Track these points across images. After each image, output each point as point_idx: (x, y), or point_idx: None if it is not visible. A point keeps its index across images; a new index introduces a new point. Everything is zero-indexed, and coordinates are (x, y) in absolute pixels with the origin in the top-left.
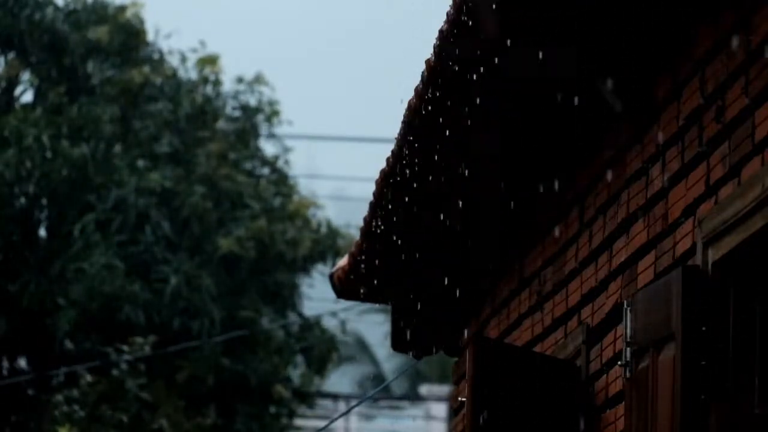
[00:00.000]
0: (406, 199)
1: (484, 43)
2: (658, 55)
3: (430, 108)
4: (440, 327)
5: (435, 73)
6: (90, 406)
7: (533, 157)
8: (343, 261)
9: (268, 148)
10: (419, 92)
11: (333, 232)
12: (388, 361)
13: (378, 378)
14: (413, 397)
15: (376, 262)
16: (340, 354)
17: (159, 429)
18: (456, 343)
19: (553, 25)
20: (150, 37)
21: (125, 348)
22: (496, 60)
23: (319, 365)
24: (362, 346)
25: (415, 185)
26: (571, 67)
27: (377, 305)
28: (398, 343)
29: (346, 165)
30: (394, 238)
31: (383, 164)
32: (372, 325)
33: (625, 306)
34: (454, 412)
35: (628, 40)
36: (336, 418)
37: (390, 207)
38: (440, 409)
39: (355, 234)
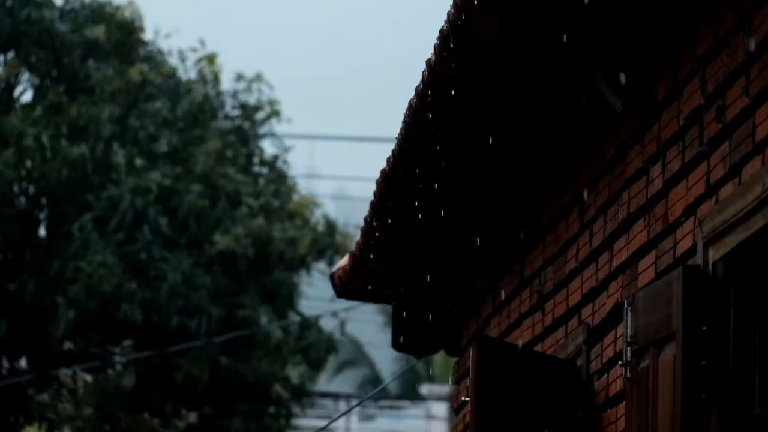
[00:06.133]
0: (407, 198)
1: (484, 43)
2: (658, 55)
3: (430, 108)
4: (440, 327)
5: (435, 73)
6: (75, 406)
7: (534, 157)
8: (343, 261)
9: (268, 147)
10: (420, 92)
11: (331, 228)
12: (388, 366)
13: (377, 381)
14: (414, 396)
15: (377, 262)
16: (338, 355)
17: (152, 429)
18: (456, 343)
19: (553, 24)
20: (149, 36)
21: (116, 350)
22: (496, 60)
23: (317, 364)
24: (361, 352)
25: (415, 185)
26: (571, 66)
27: (379, 314)
28: (399, 343)
29: (346, 165)
30: (395, 237)
31: (383, 164)
32: (373, 331)
33: (625, 305)
34: (454, 411)
35: (629, 40)
36: (336, 418)
37: (390, 207)
38: (441, 409)
39: (356, 233)
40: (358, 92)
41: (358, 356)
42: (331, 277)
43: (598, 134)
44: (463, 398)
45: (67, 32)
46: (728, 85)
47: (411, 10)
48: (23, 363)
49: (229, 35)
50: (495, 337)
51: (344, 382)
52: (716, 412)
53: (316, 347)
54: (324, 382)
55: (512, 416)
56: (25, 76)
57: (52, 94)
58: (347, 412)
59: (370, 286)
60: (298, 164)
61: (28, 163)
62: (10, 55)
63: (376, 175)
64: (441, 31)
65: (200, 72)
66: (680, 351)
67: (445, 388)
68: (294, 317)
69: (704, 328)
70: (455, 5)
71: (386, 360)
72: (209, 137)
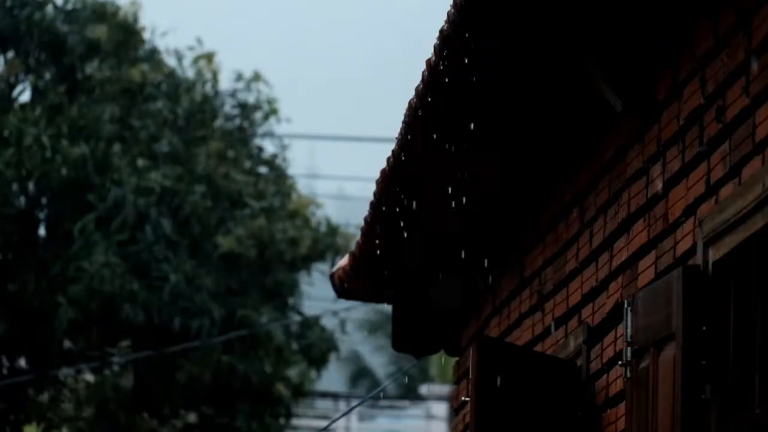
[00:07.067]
0: (407, 198)
1: (484, 43)
2: (658, 55)
3: (430, 108)
4: (440, 327)
5: (435, 73)
6: (75, 406)
7: (534, 157)
8: (343, 261)
9: (268, 146)
10: (419, 92)
11: (332, 230)
12: (384, 371)
13: (375, 383)
14: (414, 396)
15: (377, 262)
16: (339, 356)
17: (151, 429)
18: (456, 343)
19: (554, 24)
20: (149, 35)
21: (114, 350)
22: (497, 59)
23: (318, 364)
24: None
25: (415, 185)
26: (571, 67)
27: (372, 327)
28: (399, 342)
29: (346, 165)
30: (395, 237)
31: (383, 164)
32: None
33: (625, 306)
34: (454, 411)
35: (629, 40)
36: (336, 419)
37: (390, 207)
38: (441, 409)
39: (355, 233)
40: (358, 92)
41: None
42: (331, 277)
43: (598, 134)
44: (463, 398)
45: (68, 32)
46: (728, 85)
47: (411, 10)
48: (23, 363)
49: (228, 35)
50: (495, 337)
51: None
52: (716, 412)
53: (317, 347)
54: (323, 379)
55: (512, 416)
56: (25, 76)
57: (52, 94)
58: (347, 413)
59: (370, 286)
60: (298, 164)
61: (29, 163)
62: (10, 54)
63: (376, 175)
64: (441, 31)
65: (198, 71)
66: (680, 351)
67: (444, 388)
68: (295, 317)
69: (704, 328)
70: (455, 5)
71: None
72: (210, 137)
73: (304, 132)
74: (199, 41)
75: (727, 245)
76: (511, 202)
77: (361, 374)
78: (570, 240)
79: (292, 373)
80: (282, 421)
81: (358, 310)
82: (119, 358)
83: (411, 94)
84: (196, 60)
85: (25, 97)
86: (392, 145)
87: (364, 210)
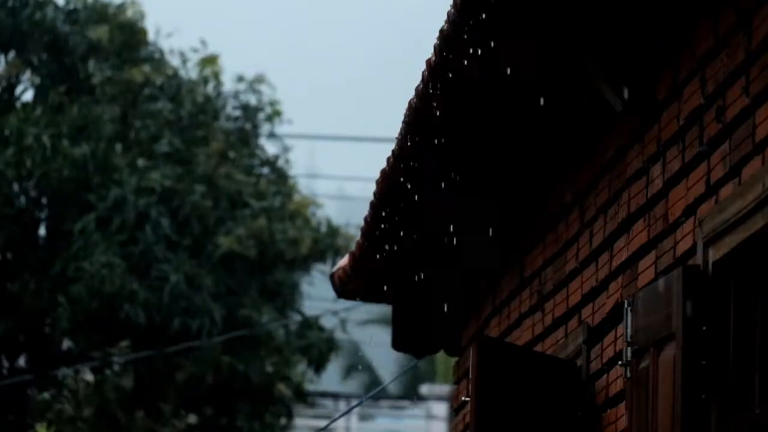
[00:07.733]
0: (407, 198)
1: (484, 43)
2: (658, 55)
3: (430, 108)
4: (440, 327)
5: (436, 73)
6: (76, 406)
7: (533, 157)
8: (343, 261)
9: (269, 147)
10: (420, 92)
11: (333, 231)
12: (385, 368)
13: (377, 382)
14: (414, 396)
15: (377, 262)
16: (339, 354)
17: (151, 429)
18: (456, 343)
19: (554, 24)
20: (151, 36)
21: (113, 350)
22: (497, 60)
23: (318, 364)
24: (360, 355)
25: (415, 185)
26: (571, 66)
27: (373, 318)
28: (399, 342)
29: (346, 165)
30: (395, 237)
31: (383, 164)
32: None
33: (625, 306)
34: (454, 411)
35: (629, 40)
36: (336, 418)
37: (390, 207)
38: (441, 409)
39: (355, 233)
40: (358, 92)
41: (358, 358)
42: (331, 277)
43: (598, 134)
44: (463, 398)
45: (69, 32)
46: (728, 85)
47: (411, 10)
48: (23, 363)
49: (228, 35)
50: (495, 337)
51: (353, 384)
52: (716, 412)
53: (317, 347)
54: (323, 380)
55: (512, 416)
56: (26, 76)
57: (53, 93)
58: (347, 412)
59: (370, 286)
60: (298, 164)
61: (29, 163)
62: (12, 54)
63: (376, 175)
64: (441, 32)
65: (202, 72)
66: (680, 351)
67: (445, 388)
68: (295, 317)
69: (704, 328)
70: (455, 5)
71: (384, 359)
72: (212, 138)
73: (304, 132)
74: (203, 42)
75: (727, 245)
76: (512, 201)
77: (363, 372)
78: (570, 240)
79: (293, 373)
80: (283, 421)
81: (361, 309)
82: (119, 358)
83: (411, 94)
84: (200, 63)
85: (26, 96)
86: (392, 145)
87: (364, 210)
